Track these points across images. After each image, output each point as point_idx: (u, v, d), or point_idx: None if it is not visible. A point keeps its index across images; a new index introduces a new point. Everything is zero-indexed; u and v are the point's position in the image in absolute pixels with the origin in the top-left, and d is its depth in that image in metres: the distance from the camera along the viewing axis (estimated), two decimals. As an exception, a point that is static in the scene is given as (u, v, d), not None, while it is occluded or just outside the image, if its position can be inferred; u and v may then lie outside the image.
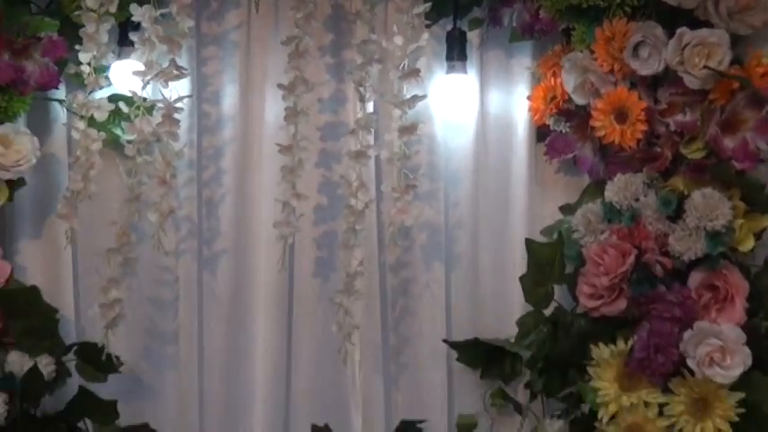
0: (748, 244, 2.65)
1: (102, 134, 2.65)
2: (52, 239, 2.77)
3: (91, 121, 2.65)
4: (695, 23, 2.69)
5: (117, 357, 2.69)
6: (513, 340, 2.78)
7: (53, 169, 2.77)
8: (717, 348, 2.61)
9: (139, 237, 2.71)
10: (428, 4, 2.69)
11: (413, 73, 2.62)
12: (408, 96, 2.65)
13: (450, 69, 2.78)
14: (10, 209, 2.74)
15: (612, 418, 2.65)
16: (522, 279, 2.76)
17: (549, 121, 2.76)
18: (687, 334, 2.61)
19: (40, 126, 2.75)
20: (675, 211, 2.65)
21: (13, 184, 2.66)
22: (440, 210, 2.83)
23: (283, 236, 2.67)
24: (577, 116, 2.73)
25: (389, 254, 2.82)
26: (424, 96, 2.67)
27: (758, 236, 2.67)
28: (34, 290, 2.69)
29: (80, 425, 2.71)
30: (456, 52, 2.80)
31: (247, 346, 2.82)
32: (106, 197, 2.75)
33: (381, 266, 2.83)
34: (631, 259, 2.63)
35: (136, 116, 2.63)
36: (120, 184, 2.72)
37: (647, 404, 2.65)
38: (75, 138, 2.69)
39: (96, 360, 2.69)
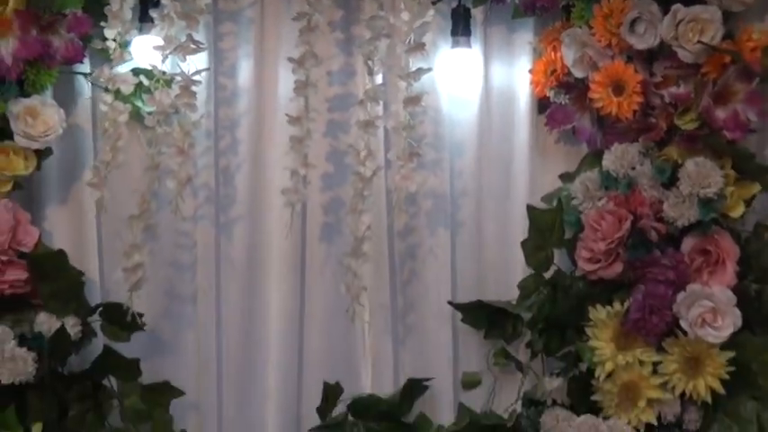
0: (739, 210, 2.71)
1: (128, 106, 2.69)
2: (78, 206, 2.82)
3: (117, 94, 2.69)
4: (689, 0, 2.70)
5: (140, 315, 2.73)
6: (514, 302, 2.82)
7: (78, 139, 2.81)
8: (708, 310, 2.66)
9: (160, 204, 2.75)
10: (434, -17, 2.70)
11: (418, 47, 2.65)
12: (414, 69, 2.67)
13: (455, 44, 2.82)
14: (38, 177, 2.78)
15: (609, 376, 2.70)
16: (523, 244, 2.80)
17: (550, 94, 2.79)
18: (680, 296, 2.67)
19: (66, 98, 2.78)
20: (669, 179, 2.70)
21: (41, 154, 2.71)
22: (445, 178, 2.86)
23: (291, 202, 2.72)
24: (576, 89, 2.76)
25: (396, 220, 2.83)
26: (429, 69, 2.70)
27: (748, 202, 2.72)
28: (61, 254, 2.74)
29: (104, 382, 2.77)
30: (460, 28, 2.82)
31: (261, 306, 2.86)
32: (127, 166, 2.78)
33: (389, 232, 2.85)
34: (627, 225, 2.68)
35: (156, 89, 2.67)
36: (141, 154, 2.75)
37: (641, 363, 2.70)
38: (101, 110, 2.72)
39: (120, 320, 2.75)
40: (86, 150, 2.82)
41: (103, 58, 2.72)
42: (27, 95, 2.70)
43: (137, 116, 2.78)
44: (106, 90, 2.71)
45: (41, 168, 2.75)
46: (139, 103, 2.74)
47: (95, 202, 2.74)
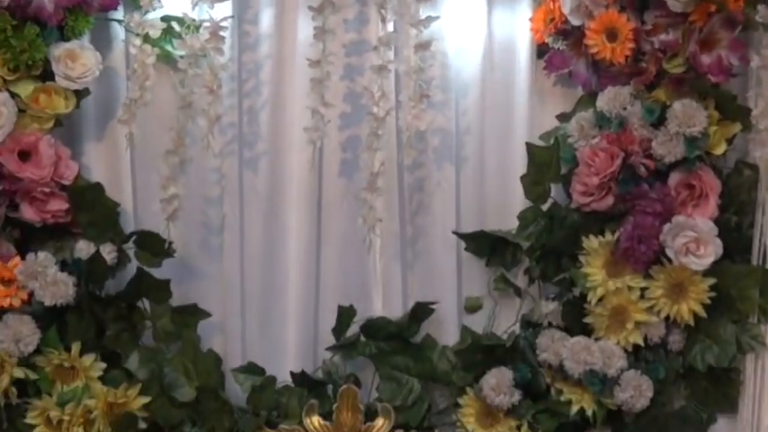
0: (721, 148, 2.77)
1: (156, 49, 2.72)
2: (113, 142, 2.88)
3: (146, 39, 2.71)
4: (678, -47, 2.69)
5: (170, 243, 2.79)
6: (514, 232, 2.87)
7: (113, 81, 2.86)
8: (692, 239, 2.73)
9: (191, 140, 2.79)
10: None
11: (428, -4, 2.71)
12: (424, 17, 2.71)
13: (461, -7, 2.83)
14: (77, 115, 2.84)
15: (600, 300, 2.77)
16: (522, 178, 2.86)
17: (548, 40, 2.83)
18: (666, 227, 2.73)
19: (102, 43, 2.82)
20: (658, 119, 2.76)
21: (79, 94, 2.76)
22: (450, 117, 2.90)
23: (312, 140, 2.76)
24: (573, 35, 2.80)
25: (406, 156, 2.84)
26: (437, 17, 2.74)
27: (730, 141, 2.77)
28: (98, 186, 2.81)
29: (138, 304, 2.84)
30: (466, -22, 2.84)
31: (282, 236, 2.92)
32: (160, 106, 2.81)
33: (399, 167, 2.90)
34: (619, 161, 2.73)
35: (186, 34, 2.71)
36: (169, 95, 2.80)
37: (630, 288, 2.76)
38: (132, 53, 2.74)
39: (152, 247, 2.81)
40: (120, 91, 2.83)
41: (134, 5, 2.73)
42: (67, 40, 2.73)
43: (166, 59, 2.79)
44: (137, 35, 2.73)
45: (80, 107, 2.80)
46: (169, 47, 2.77)
47: (125, 136, 2.78)
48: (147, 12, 2.72)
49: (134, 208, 2.90)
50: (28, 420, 2.78)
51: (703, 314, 2.76)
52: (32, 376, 2.76)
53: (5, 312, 2.74)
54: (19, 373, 2.74)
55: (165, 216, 2.77)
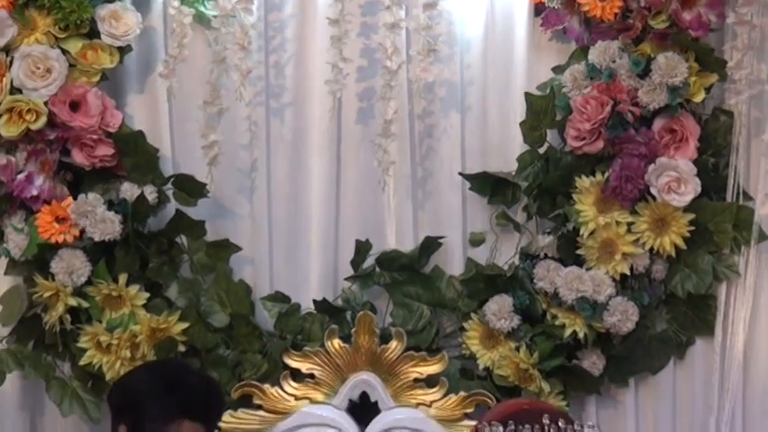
0: (700, 96, 2.87)
1: (192, 10, 2.85)
2: (153, 94, 2.98)
3: (183, 0, 2.86)
4: None
5: (204, 185, 2.90)
6: (514, 173, 2.95)
7: (152, 39, 2.98)
8: (674, 179, 2.83)
9: (224, 92, 2.88)
10: None
11: (435, -42, 2.80)
12: None
13: (465, -44, 2.91)
14: (120, 70, 2.95)
15: (591, 234, 2.87)
16: (521, 124, 2.95)
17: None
18: (651, 167, 2.83)
19: (142, 4, 2.94)
20: (644, 70, 2.84)
21: (123, 51, 2.89)
22: (456, 70, 2.98)
23: (332, 91, 2.87)
24: None
25: (416, 105, 2.95)
26: None
27: (708, 90, 2.87)
28: (140, 134, 2.91)
29: (177, 240, 2.94)
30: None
31: (306, 178, 3.00)
32: (196, 62, 2.93)
33: (410, 115, 2.97)
34: (608, 108, 2.82)
35: None
36: (207, 52, 2.91)
37: (618, 223, 2.85)
38: (170, 13, 2.87)
39: (189, 189, 2.90)
40: (159, 48, 2.96)
41: (173, -31, 2.84)
42: (111, 2, 2.85)
43: (201, 19, 2.90)
44: (174, -3, 2.82)
45: (123, 63, 2.91)
46: (203, 8, 2.88)
47: (166, 89, 2.89)
48: (183, -25, 2.80)
49: (172, 153, 2.99)
50: (80, 344, 2.88)
51: (683, 246, 2.86)
52: (84, 305, 2.88)
53: (60, 247, 2.85)
54: (72, 301, 2.85)
55: (207, 161, 2.89)
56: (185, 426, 2.40)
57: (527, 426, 2.11)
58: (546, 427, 2.12)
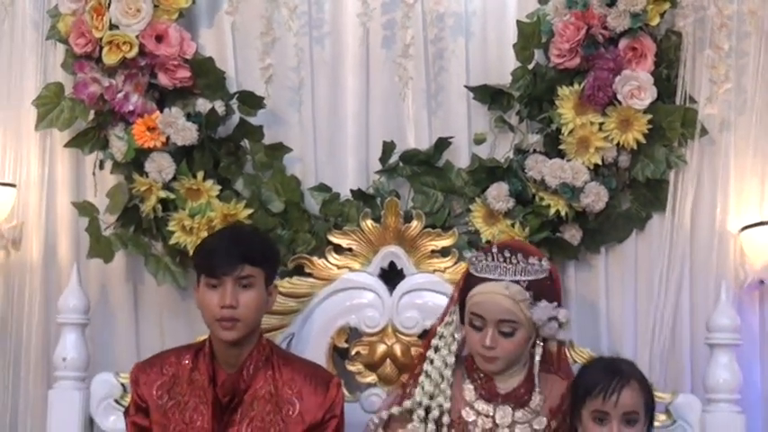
0: (656, 20, 3.11)
1: None
2: (219, 28, 3.29)
3: None
4: None
5: (262, 98, 3.18)
6: (509, 85, 3.22)
7: None
8: (635, 87, 3.08)
9: (276, 24, 3.20)
10: None
11: None
12: None
13: None
14: (194, 9, 3.26)
15: (570, 132, 3.12)
16: (514, 46, 3.23)
17: None
18: (617, 78, 3.08)
19: None
20: (612, 1, 3.10)
21: None
22: (461, 3, 3.27)
23: (362, 22, 3.20)
24: None
25: (430, 32, 3.22)
26: None
27: (662, 15, 3.11)
28: (210, 59, 3.21)
29: (241, 143, 3.22)
30: None
31: (343, 92, 3.29)
32: (252, 1, 3.23)
33: (425, 40, 3.24)
34: (583, 32, 3.08)
35: None
36: None
37: (591, 123, 3.11)
38: None
39: (250, 102, 3.18)
40: None
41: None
42: None
43: None
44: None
45: (196, 3, 3.22)
46: None
47: (230, 24, 3.19)
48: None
49: (236, 74, 3.28)
50: (169, 228, 3.14)
51: (643, 141, 3.11)
52: (171, 196, 3.14)
53: (152, 151, 3.13)
54: (162, 194, 3.13)
55: (264, 80, 3.18)
56: (247, 268, 2.67)
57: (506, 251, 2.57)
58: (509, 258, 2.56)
